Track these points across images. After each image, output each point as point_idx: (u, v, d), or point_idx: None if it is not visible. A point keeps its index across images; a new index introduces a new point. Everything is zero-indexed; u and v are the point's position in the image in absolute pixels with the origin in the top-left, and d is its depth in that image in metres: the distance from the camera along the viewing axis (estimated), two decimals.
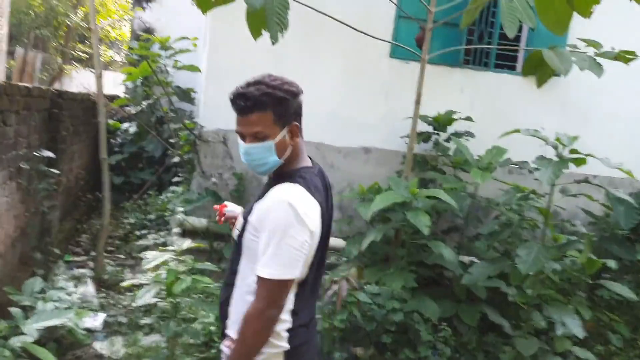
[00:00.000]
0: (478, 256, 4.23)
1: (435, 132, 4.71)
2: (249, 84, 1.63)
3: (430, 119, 4.62)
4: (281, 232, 1.55)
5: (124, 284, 3.61)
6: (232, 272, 1.76)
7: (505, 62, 4.96)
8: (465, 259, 4.36)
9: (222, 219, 2.05)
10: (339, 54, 4.73)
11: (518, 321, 3.83)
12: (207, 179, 4.68)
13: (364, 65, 4.79)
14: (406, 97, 4.38)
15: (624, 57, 3.96)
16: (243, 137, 1.66)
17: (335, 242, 4.12)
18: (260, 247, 1.59)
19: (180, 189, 5.56)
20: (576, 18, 3.42)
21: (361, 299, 3.44)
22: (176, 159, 5.87)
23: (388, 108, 4.83)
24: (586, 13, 3.30)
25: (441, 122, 4.63)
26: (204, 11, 3.53)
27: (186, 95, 5.53)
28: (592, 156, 3.43)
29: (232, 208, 2.06)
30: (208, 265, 3.35)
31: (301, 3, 3.79)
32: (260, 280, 1.58)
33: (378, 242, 3.96)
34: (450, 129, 4.69)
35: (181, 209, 4.78)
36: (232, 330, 1.72)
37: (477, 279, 3.66)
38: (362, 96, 4.80)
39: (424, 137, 4.68)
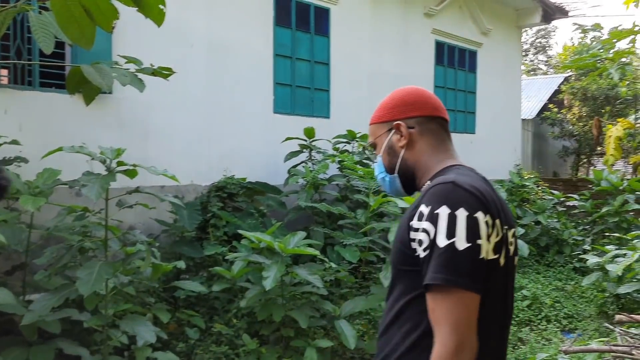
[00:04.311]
0: (47, 290, 3.83)
1: None
2: None
3: None
4: None
5: None
6: None
7: (54, 80, 4.68)
8: (36, 296, 3.88)
9: None
10: None
11: (99, 346, 3.65)
12: None
13: None
14: None
15: (162, 72, 4.29)
16: None
17: None
18: None
19: None
20: (124, 37, 3.48)
21: None
22: None
23: None
24: (107, 28, 3.31)
25: None
26: None
27: None
28: (139, 166, 3.55)
29: None
30: None
31: None
32: None
33: None
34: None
35: None
36: None
37: (39, 315, 3.27)
38: None
39: None
